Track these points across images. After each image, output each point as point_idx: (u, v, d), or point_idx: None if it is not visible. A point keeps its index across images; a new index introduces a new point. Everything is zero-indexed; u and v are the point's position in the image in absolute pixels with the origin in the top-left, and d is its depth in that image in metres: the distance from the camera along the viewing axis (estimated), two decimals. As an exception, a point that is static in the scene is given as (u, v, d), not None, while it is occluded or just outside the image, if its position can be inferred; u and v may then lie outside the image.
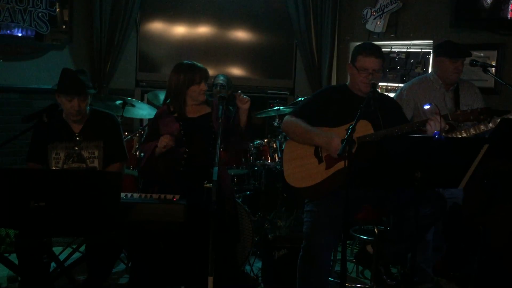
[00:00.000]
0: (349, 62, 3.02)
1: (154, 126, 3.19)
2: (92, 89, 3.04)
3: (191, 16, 5.38)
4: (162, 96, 4.19)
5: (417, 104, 3.46)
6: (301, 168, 2.91)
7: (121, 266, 3.76)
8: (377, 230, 3.03)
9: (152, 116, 4.21)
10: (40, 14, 4.66)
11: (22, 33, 4.66)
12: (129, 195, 2.80)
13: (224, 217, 3.01)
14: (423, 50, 4.78)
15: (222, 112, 2.84)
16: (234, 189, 3.24)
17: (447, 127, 2.84)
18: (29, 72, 4.75)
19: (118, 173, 2.63)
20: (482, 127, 2.88)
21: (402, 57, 4.90)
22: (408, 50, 4.88)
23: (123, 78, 5.25)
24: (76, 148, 3.05)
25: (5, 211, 2.41)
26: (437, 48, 3.51)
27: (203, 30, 5.41)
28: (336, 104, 2.95)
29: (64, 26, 4.90)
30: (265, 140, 4.18)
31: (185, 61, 3.16)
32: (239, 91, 3.06)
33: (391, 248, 2.90)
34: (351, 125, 2.41)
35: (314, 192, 2.85)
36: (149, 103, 4.42)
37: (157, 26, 5.37)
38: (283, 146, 4.13)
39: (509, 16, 4.04)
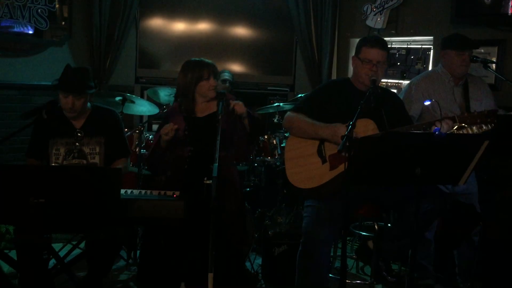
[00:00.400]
0: (354, 54, 2.99)
1: (164, 123, 3.14)
2: (91, 89, 3.00)
3: (191, 12, 5.37)
4: (162, 92, 4.19)
5: (427, 99, 3.42)
6: (304, 168, 2.87)
7: (121, 263, 3.76)
8: (377, 226, 3.03)
9: (151, 113, 4.24)
10: (39, 10, 4.65)
11: (21, 29, 4.65)
12: (129, 191, 2.80)
13: (229, 215, 2.98)
14: (423, 46, 4.77)
15: (221, 108, 2.84)
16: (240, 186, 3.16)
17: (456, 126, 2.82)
18: (28, 68, 4.74)
19: (118, 169, 2.62)
20: (484, 127, 2.87)
21: (402, 53, 4.88)
22: (408, 46, 4.87)
23: (122, 74, 5.24)
24: (77, 144, 3.04)
25: (5, 208, 2.41)
26: (443, 41, 3.48)
27: (203, 26, 5.40)
28: (338, 99, 2.92)
29: (63, 22, 4.89)
30: (265, 137, 4.18)
31: (192, 59, 3.13)
32: (230, 100, 2.99)
33: (392, 244, 2.89)
34: (351, 121, 2.40)
35: (317, 193, 2.81)
36: (149, 99, 4.41)
37: (156, 22, 5.36)
38: (283, 142, 4.14)
39: (509, 12, 4.02)
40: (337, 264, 3.54)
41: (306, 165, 2.87)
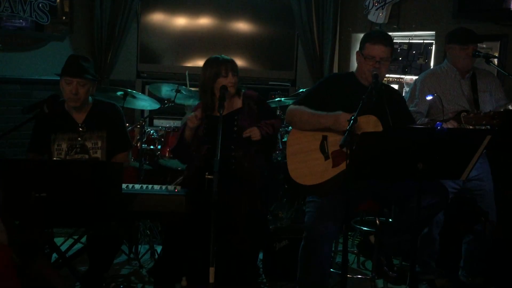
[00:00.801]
0: (358, 49, 2.96)
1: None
2: (92, 76, 3.00)
3: (192, 7, 5.36)
4: (163, 87, 4.19)
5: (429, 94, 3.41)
6: (306, 164, 2.84)
7: (123, 257, 3.77)
8: (378, 221, 3.03)
9: (152, 108, 4.24)
10: (40, 5, 4.65)
11: (22, 23, 4.65)
12: (130, 186, 2.80)
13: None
14: (425, 41, 4.76)
15: (223, 104, 2.84)
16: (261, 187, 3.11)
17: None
18: (29, 63, 4.74)
19: (119, 163, 2.62)
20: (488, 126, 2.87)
21: (404, 48, 4.87)
22: (410, 41, 4.85)
23: (124, 69, 5.24)
24: (79, 139, 3.04)
25: (6, 202, 2.41)
26: (448, 36, 3.46)
27: (204, 21, 5.39)
28: (341, 93, 2.89)
29: (64, 17, 4.89)
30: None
31: (213, 55, 3.12)
32: (246, 133, 2.99)
33: (393, 239, 2.89)
34: (353, 116, 2.39)
35: (319, 189, 2.79)
36: (150, 94, 4.40)
37: (158, 17, 5.35)
38: (285, 137, 4.13)
39: (511, 7, 4.01)
40: (338, 259, 3.54)
41: (308, 161, 2.85)
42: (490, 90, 3.38)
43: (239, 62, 5.49)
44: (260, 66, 5.53)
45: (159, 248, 3.77)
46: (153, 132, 4.17)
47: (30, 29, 4.69)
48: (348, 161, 2.30)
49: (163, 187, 2.79)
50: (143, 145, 3.93)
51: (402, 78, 4.95)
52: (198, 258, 2.90)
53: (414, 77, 3.76)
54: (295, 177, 2.86)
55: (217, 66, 3.05)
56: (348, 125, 2.34)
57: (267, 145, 3.08)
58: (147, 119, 4.47)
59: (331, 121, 2.73)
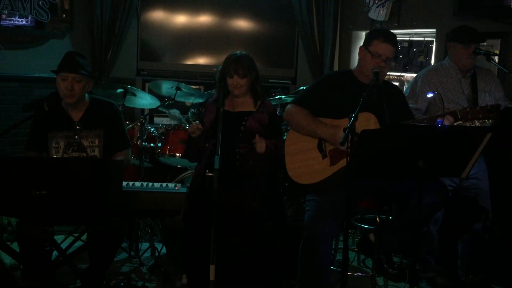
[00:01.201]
0: (362, 45, 2.92)
1: (202, 113, 3.25)
2: (87, 72, 2.98)
3: (193, 4, 5.35)
4: (163, 85, 4.18)
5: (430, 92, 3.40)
6: (304, 163, 2.85)
7: (123, 255, 3.77)
8: (378, 219, 3.03)
9: (153, 106, 4.23)
10: (40, 3, 4.64)
11: (22, 21, 4.64)
12: (130, 183, 2.80)
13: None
14: (426, 38, 4.75)
15: (221, 101, 2.84)
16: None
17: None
18: (29, 60, 4.73)
19: (120, 161, 2.62)
20: (487, 122, 2.86)
21: (404, 45, 4.87)
22: (410, 38, 4.84)
23: (124, 67, 5.23)
24: (76, 137, 3.03)
25: (7, 200, 2.41)
26: (450, 33, 3.45)
27: (204, 19, 5.38)
28: (340, 92, 2.89)
29: (64, 15, 4.88)
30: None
31: (234, 52, 3.14)
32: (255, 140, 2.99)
33: (393, 237, 2.89)
34: (353, 114, 2.39)
35: (318, 188, 2.80)
36: (151, 92, 4.40)
37: (158, 15, 5.34)
38: (285, 135, 4.13)
39: (512, 4, 4.01)
40: (339, 256, 3.54)
41: (306, 160, 2.85)
42: (489, 90, 3.37)
43: (240, 60, 5.51)
44: (261, 63, 5.49)
45: (159, 246, 3.78)
46: (153, 130, 4.17)
47: (30, 27, 4.69)
48: (348, 158, 2.30)
49: (164, 184, 2.79)
50: (143, 143, 3.93)
51: (402, 76, 4.95)
52: (199, 256, 2.91)
53: (415, 75, 3.74)
54: (293, 176, 2.87)
55: (227, 64, 3.07)
56: (349, 122, 2.34)
57: (270, 162, 3.07)
58: (147, 117, 4.46)
59: (328, 134, 2.74)
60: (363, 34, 5.11)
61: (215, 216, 2.41)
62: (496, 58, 3.92)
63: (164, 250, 3.72)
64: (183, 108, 4.67)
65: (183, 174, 4.01)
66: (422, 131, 2.39)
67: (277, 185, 3.31)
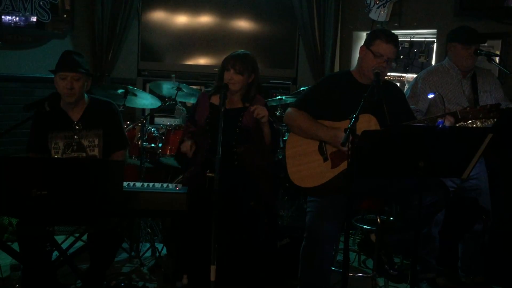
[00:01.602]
0: (363, 44, 2.92)
1: (193, 108, 3.26)
2: (85, 70, 2.98)
3: (193, 5, 5.35)
4: (164, 85, 4.18)
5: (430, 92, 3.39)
6: (306, 166, 2.84)
7: (124, 255, 3.77)
8: (379, 219, 3.03)
9: (153, 106, 4.23)
10: (41, 3, 4.64)
11: (23, 21, 4.64)
12: (131, 183, 2.79)
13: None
14: (426, 39, 4.75)
15: (223, 100, 2.84)
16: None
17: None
18: (30, 61, 4.74)
19: (120, 161, 2.62)
20: (486, 124, 2.86)
21: (405, 46, 4.86)
22: (411, 39, 4.84)
23: (125, 67, 5.24)
24: (75, 137, 3.04)
25: (7, 200, 2.41)
26: (450, 34, 3.44)
27: (205, 19, 5.38)
28: (339, 94, 2.88)
29: (65, 15, 4.88)
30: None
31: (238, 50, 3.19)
32: (254, 106, 3.01)
33: (394, 237, 2.89)
34: (354, 114, 2.39)
35: (319, 192, 2.80)
36: (151, 92, 4.40)
37: (159, 15, 5.35)
38: (286, 135, 4.13)
39: (513, 5, 4.00)
40: (340, 257, 3.54)
41: (307, 163, 2.85)
42: (490, 91, 3.37)
43: (240, 60, 5.51)
44: (261, 64, 5.45)
45: (160, 246, 3.78)
46: (154, 130, 4.17)
47: (31, 27, 4.69)
48: (349, 159, 2.30)
49: (164, 185, 2.79)
50: (144, 143, 3.93)
51: (403, 77, 4.95)
52: (199, 256, 2.91)
53: (415, 76, 3.74)
54: (294, 180, 2.86)
55: (226, 59, 3.11)
56: (350, 123, 2.34)
57: (272, 142, 3.08)
58: (148, 117, 4.46)
59: (329, 136, 2.74)
60: (364, 34, 5.10)
61: (215, 216, 2.41)
62: (497, 59, 3.92)
63: (165, 251, 3.72)
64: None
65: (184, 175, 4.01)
66: (423, 131, 2.39)
67: (274, 182, 3.32)
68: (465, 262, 3.42)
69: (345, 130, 2.33)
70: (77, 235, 3.20)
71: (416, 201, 2.46)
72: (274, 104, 4.46)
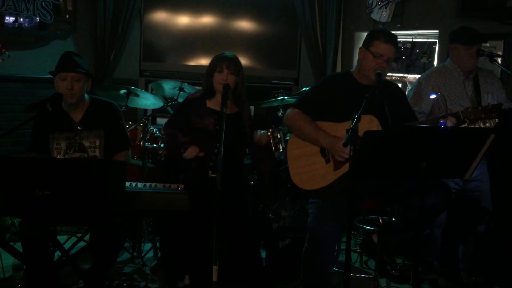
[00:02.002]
0: (362, 45, 2.92)
1: (183, 110, 3.11)
2: (84, 70, 2.98)
3: (195, 5, 5.36)
4: (166, 85, 4.19)
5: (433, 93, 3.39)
6: (307, 168, 2.83)
7: (126, 255, 3.78)
8: (381, 220, 3.03)
9: (155, 106, 4.23)
10: (43, 3, 4.65)
11: (25, 22, 4.65)
12: (133, 184, 2.80)
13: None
14: (428, 40, 4.75)
15: (225, 101, 2.83)
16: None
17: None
18: (33, 61, 4.75)
19: (122, 162, 2.62)
20: (488, 124, 2.86)
21: (407, 47, 4.86)
22: (413, 40, 4.84)
23: (127, 67, 5.24)
24: (77, 138, 3.04)
25: (10, 200, 2.42)
26: (451, 35, 3.45)
27: (207, 19, 5.39)
28: (340, 95, 2.87)
29: (67, 16, 4.89)
30: (269, 131, 4.17)
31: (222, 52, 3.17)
32: (258, 131, 3.14)
33: (396, 238, 2.89)
34: (356, 115, 2.39)
35: (322, 194, 2.79)
36: (153, 92, 4.41)
37: (161, 16, 5.35)
38: (287, 136, 4.13)
39: (515, 6, 4.00)
40: (341, 257, 3.54)
41: (309, 165, 2.84)
42: (492, 92, 3.37)
43: (242, 61, 5.39)
44: (263, 64, 5.52)
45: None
46: (156, 131, 4.17)
47: (34, 28, 4.70)
48: (351, 160, 2.30)
49: (166, 185, 2.79)
50: (146, 144, 3.93)
51: (405, 77, 4.94)
52: (200, 256, 2.91)
53: (417, 76, 3.74)
54: (297, 182, 2.85)
55: (215, 61, 3.08)
56: (352, 124, 2.34)
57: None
58: (150, 118, 4.46)
59: (330, 145, 2.73)
60: (365, 35, 5.10)
61: (217, 217, 2.41)
62: (499, 60, 3.92)
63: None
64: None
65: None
66: (425, 132, 2.39)
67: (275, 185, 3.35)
68: (467, 263, 3.42)
69: (347, 131, 2.32)
70: (79, 235, 3.21)
71: (418, 202, 2.46)
72: (276, 104, 4.46)
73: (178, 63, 5.43)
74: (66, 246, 3.04)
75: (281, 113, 4.39)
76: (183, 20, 5.38)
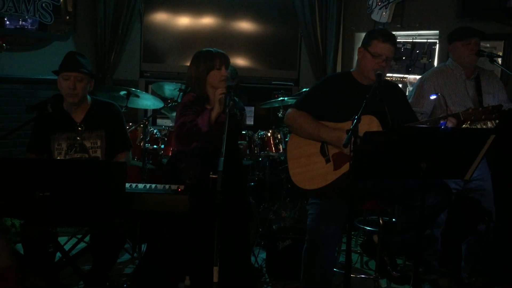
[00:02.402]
0: (361, 46, 2.92)
1: (183, 111, 2.93)
2: (87, 71, 2.98)
3: (195, 6, 5.36)
4: (166, 86, 4.19)
5: (434, 94, 3.39)
6: (307, 168, 2.83)
7: (126, 256, 3.78)
8: (381, 221, 3.02)
9: (156, 107, 4.24)
10: (44, 4, 4.65)
11: (26, 23, 4.65)
12: (133, 185, 2.80)
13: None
14: (429, 40, 4.75)
15: (229, 102, 2.81)
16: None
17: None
18: (33, 62, 4.75)
19: (123, 163, 2.62)
20: (489, 124, 2.86)
21: (407, 47, 4.86)
22: (413, 40, 4.84)
23: (127, 68, 5.25)
24: (78, 138, 3.04)
25: (10, 201, 2.42)
26: (448, 36, 3.46)
27: (207, 20, 5.39)
28: (340, 95, 2.87)
29: (68, 17, 4.89)
30: (269, 131, 4.17)
31: (204, 49, 3.04)
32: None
33: (397, 238, 2.89)
34: (356, 115, 2.39)
35: (321, 194, 2.79)
36: (153, 93, 4.41)
37: (161, 17, 5.36)
38: (288, 136, 4.13)
39: (516, 6, 4.00)
40: (342, 258, 3.54)
41: (309, 165, 2.84)
42: (493, 93, 3.38)
43: (242, 62, 5.53)
44: (263, 65, 5.52)
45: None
46: (156, 132, 4.17)
47: (34, 29, 4.70)
48: (351, 159, 2.30)
49: (166, 186, 2.79)
50: (146, 145, 3.93)
51: (405, 78, 4.94)
52: (201, 257, 2.91)
53: (418, 77, 3.74)
54: (297, 182, 2.86)
55: (211, 58, 2.96)
56: (352, 124, 2.34)
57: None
58: (150, 119, 4.47)
59: (332, 137, 2.73)
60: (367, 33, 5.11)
61: (218, 218, 2.41)
62: (500, 60, 3.92)
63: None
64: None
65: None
66: (425, 133, 2.38)
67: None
68: (468, 263, 3.41)
69: (347, 132, 2.32)
70: (79, 236, 3.21)
71: (418, 202, 2.46)
72: (276, 105, 4.46)
73: (178, 64, 5.43)
74: (67, 247, 3.04)
75: (281, 114, 4.39)
76: (183, 21, 5.38)
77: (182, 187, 2.77)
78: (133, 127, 3.94)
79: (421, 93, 3.37)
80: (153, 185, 2.80)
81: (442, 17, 4.57)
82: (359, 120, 2.35)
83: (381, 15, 4.85)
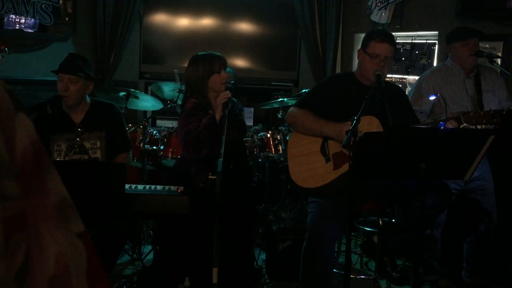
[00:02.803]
0: (360, 48, 2.92)
1: (187, 119, 2.89)
2: (83, 74, 2.96)
3: (195, 7, 5.36)
4: (165, 88, 4.19)
5: (432, 94, 3.39)
6: (308, 167, 2.83)
7: (126, 257, 3.77)
8: (381, 221, 3.02)
9: (155, 108, 4.23)
10: (43, 6, 4.66)
11: (25, 24, 4.66)
12: (133, 186, 2.80)
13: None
14: (428, 41, 4.75)
15: (229, 103, 2.82)
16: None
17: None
18: (32, 63, 4.75)
19: (122, 164, 2.62)
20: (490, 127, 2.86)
21: (407, 48, 4.86)
22: (413, 41, 4.85)
23: (126, 70, 5.25)
24: (77, 139, 3.04)
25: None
26: (447, 37, 3.47)
27: (207, 21, 5.39)
28: (342, 95, 2.88)
29: (67, 18, 4.90)
30: (269, 132, 4.17)
31: (201, 52, 3.03)
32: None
33: (396, 239, 2.89)
34: (355, 116, 2.39)
35: (321, 193, 2.79)
36: (153, 95, 4.41)
37: (160, 18, 5.36)
38: (287, 137, 4.13)
39: (515, 7, 4.01)
40: (341, 259, 3.54)
41: (309, 164, 2.84)
42: (493, 90, 3.37)
43: (242, 63, 5.53)
44: (263, 66, 5.52)
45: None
46: (156, 133, 4.17)
47: (33, 30, 4.70)
48: (351, 160, 2.30)
49: (166, 187, 2.79)
50: (145, 146, 3.93)
51: (405, 78, 4.94)
52: (201, 258, 2.91)
53: (417, 77, 3.74)
54: (296, 180, 2.85)
55: (210, 62, 2.95)
56: (351, 125, 2.34)
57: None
58: (150, 120, 4.46)
59: (334, 132, 2.72)
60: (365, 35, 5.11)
61: (218, 218, 2.41)
62: (499, 61, 3.92)
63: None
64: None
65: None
66: (425, 133, 2.39)
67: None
68: (469, 263, 3.41)
69: (347, 132, 2.32)
70: (79, 237, 3.21)
71: (418, 203, 2.46)
72: (276, 106, 4.46)
73: (177, 65, 5.42)
74: (66, 248, 3.04)
75: (281, 115, 4.38)
76: (183, 22, 5.38)
77: (181, 188, 2.78)
78: (133, 128, 3.93)
79: (420, 92, 3.38)
80: (153, 186, 2.80)
81: (442, 18, 4.57)
82: (358, 120, 2.35)
83: (381, 16, 4.86)
